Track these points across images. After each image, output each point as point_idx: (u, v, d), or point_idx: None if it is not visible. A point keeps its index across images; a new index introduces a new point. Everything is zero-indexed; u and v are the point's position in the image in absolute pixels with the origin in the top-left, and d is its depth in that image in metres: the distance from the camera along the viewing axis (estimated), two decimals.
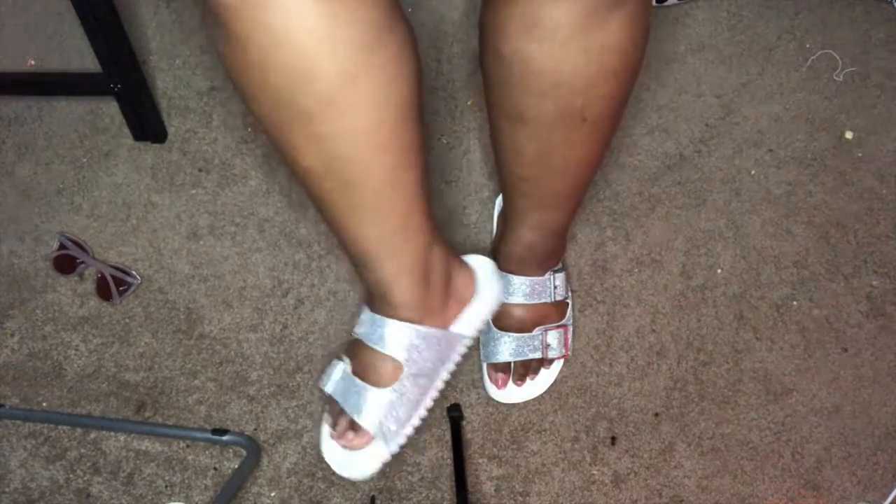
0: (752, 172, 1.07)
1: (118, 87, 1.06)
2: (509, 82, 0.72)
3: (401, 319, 0.80)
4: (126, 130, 1.13)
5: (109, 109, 1.14)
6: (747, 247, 1.04)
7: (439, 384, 0.87)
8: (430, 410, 0.94)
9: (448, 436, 0.97)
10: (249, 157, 1.11)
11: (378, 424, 0.83)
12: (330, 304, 1.04)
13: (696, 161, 1.08)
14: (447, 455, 0.97)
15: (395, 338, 0.81)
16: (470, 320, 0.86)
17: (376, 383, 0.83)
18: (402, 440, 0.85)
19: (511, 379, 0.97)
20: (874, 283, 1.02)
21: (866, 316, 1.01)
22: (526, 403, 0.98)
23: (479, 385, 0.99)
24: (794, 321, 1.01)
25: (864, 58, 1.12)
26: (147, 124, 1.11)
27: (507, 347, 0.95)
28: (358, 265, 0.79)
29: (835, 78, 1.11)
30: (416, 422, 0.86)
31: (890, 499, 0.93)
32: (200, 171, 1.11)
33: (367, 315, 0.83)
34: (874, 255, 1.03)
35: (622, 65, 0.70)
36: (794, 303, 1.01)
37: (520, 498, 0.95)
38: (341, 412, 0.86)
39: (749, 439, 0.96)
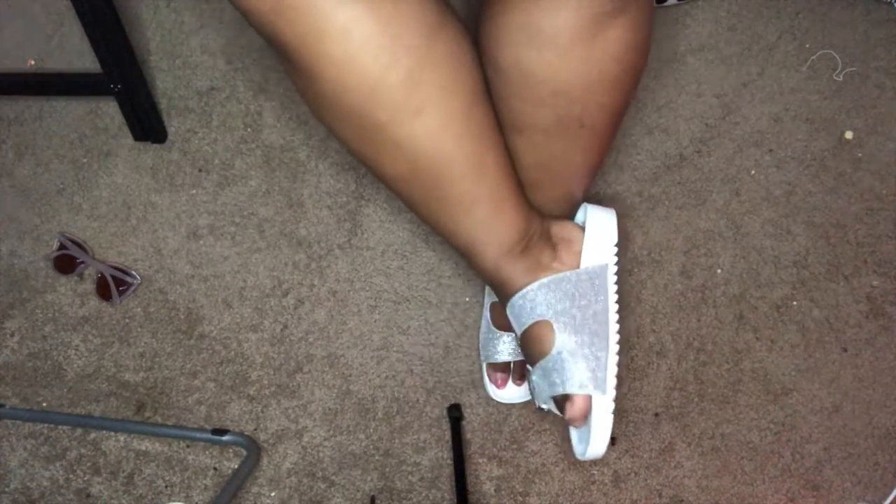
0: (752, 172, 1.07)
1: (118, 87, 1.06)
2: (506, 91, 0.72)
3: (520, 288, 0.80)
4: (126, 130, 1.13)
5: (109, 109, 1.14)
6: (747, 247, 1.04)
7: (608, 319, 0.82)
8: (430, 410, 0.94)
9: (448, 436, 0.97)
10: (249, 157, 1.11)
11: (578, 382, 0.79)
12: (330, 304, 1.04)
13: (696, 161, 1.08)
14: (447, 455, 0.97)
15: (525, 305, 0.80)
16: (594, 251, 0.83)
17: (545, 352, 0.80)
18: (613, 381, 0.80)
19: (511, 378, 0.97)
20: (874, 283, 1.02)
21: (866, 316, 1.01)
22: (526, 403, 0.98)
23: (479, 385, 0.99)
24: (794, 321, 1.01)
25: (864, 58, 1.12)
26: (147, 124, 1.11)
27: (506, 347, 0.95)
28: (466, 257, 0.80)
29: (835, 78, 1.11)
30: (610, 362, 0.80)
31: (890, 499, 0.93)
32: (200, 171, 1.11)
33: (506, 309, 0.82)
34: (874, 255, 1.03)
35: (623, 72, 0.70)
36: (794, 303, 1.01)
37: (520, 498, 0.95)
38: (559, 402, 0.82)
39: (749, 439, 0.96)
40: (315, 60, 0.64)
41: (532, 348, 0.82)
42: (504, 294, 0.82)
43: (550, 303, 0.79)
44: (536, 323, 0.80)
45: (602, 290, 0.81)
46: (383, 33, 0.63)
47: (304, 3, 0.61)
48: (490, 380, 0.97)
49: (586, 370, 0.79)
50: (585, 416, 0.79)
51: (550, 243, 0.82)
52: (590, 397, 0.79)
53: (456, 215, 0.75)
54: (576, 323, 0.80)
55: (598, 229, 0.84)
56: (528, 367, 0.84)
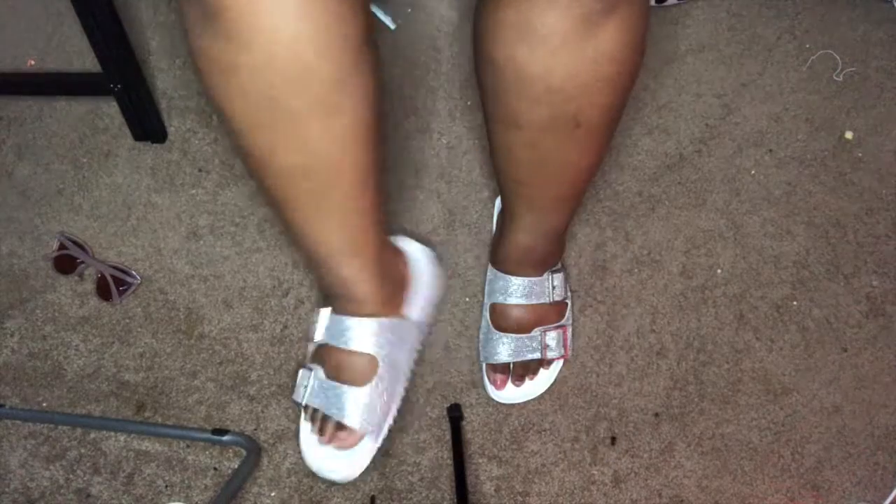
0: (752, 172, 1.07)
1: (118, 87, 1.06)
2: (502, 88, 0.72)
3: (366, 315, 0.85)
4: (126, 130, 1.13)
5: (109, 109, 1.14)
6: (747, 247, 1.04)
7: (408, 373, 0.92)
8: (430, 410, 0.95)
9: (448, 436, 0.97)
10: None
11: (364, 421, 0.87)
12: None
13: (696, 161, 1.08)
14: (447, 455, 0.97)
15: (366, 334, 0.85)
16: (421, 306, 0.91)
17: (354, 381, 0.86)
18: (386, 432, 0.90)
19: (510, 379, 0.97)
20: (874, 283, 1.02)
21: (866, 316, 1.01)
22: (526, 403, 0.98)
23: (479, 385, 0.99)
24: (794, 321, 1.01)
25: (864, 58, 1.12)
26: (147, 124, 1.11)
27: (505, 348, 0.95)
28: (320, 266, 0.82)
29: (835, 78, 1.11)
30: (394, 412, 0.90)
31: (890, 499, 0.93)
32: (200, 171, 1.11)
33: (330, 318, 0.87)
34: (874, 255, 1.03)
35: (617, 72, 0.69)
36: (794, 303, 1.02)
37: (520, 498, 0.95)
38: (324, 418, 0.89)
39: (749, 439, 0.96)
40: (252, 31, 0.60)
41: (345, 369, 0.86)
42: (345, 309, 0.85)
43: (384, 343, 0.85)
44: (365, 354, 0.85)
45: (414, 345, 0.89)
46: (325, 28, 0.61)
47: None
48: (489, 380, 0.97)
49: (378, 413, 0.87)
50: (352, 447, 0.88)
51: (402, 282, 0.89)
52: (362, 435, 0.87)
53: (333, 223, 0.76)
54: (394, 367, 0.87)
55: (430, 285, 0.92)
56: (320, 370, 0.87)
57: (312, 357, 0.91)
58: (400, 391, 0.90)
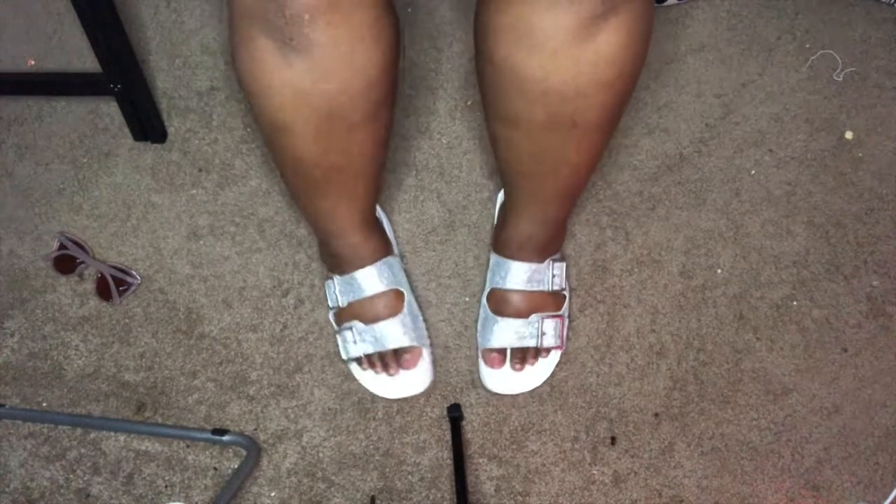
0: (752, 172, 1.07)
1: (118, 87, 1.06)
2: (501, 87, 0.73)
3: (375, 263, 0.95)
4: (126, 130, 1.13)
5: (109, 109, 1.14)
6: (747, 247, 1.04)
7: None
8: (430, 410, 0.94)
9: (448, 436, 0.97)
10: (249, 157, 1.11)
11: (415, 337, 0.97)
12: None
13: (696, 161, 1.08)
14: (447, 455, 0.97)
15: (382, 275, 0.96)
16: (393, 242, 1.04)
17: (392, 314, 0.96)
18: (429, 339, 1.00)
19: (508, 365, 0.96)
20: (874, 283, 1.02)
21: (866, 316, 1.01)
22: (526, 403, 0.98)
23: (479, 385, 0.99)
24: (794, 321, 1.01)
25: (864, 58, 1.12)
26: (147, 124, 1.11)
27: (502, 332, 0.95)
28: (333, 238, 0.93)
29: (835, 78, 1.11)
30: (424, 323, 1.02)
31: (890, 499, 0.93)
32: (200, 171, 1.11)
33: (344, 281, 0.96)
34: (874, 255, 1.03)
35: (616, 75, 0.70)
36: (794, 303, 1.02)
37: (520, 498, 0.95)
38: (381, 355, 0.96)
39: (749, 439, 0.96)
40: (329, 59, 0.70)
41: (381, 309, 0.96)
42: (349, 266, 0.95)
43: (395, 276, 0.97)
44: (389, 290, 0.96)
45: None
46: (387, 46, 0.73)
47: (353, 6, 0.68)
48: (486, 363, 0.97)
49: (420, 326, 0.99)
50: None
51: (384, 230, 1.01)
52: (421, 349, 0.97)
53: (350, 203, 0.88)
54: (409, 290, 0.99)
55: (386, 220, 1.05)
56: (357, 323, 0.96)
57: (338, 319, 0.98)
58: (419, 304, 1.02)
